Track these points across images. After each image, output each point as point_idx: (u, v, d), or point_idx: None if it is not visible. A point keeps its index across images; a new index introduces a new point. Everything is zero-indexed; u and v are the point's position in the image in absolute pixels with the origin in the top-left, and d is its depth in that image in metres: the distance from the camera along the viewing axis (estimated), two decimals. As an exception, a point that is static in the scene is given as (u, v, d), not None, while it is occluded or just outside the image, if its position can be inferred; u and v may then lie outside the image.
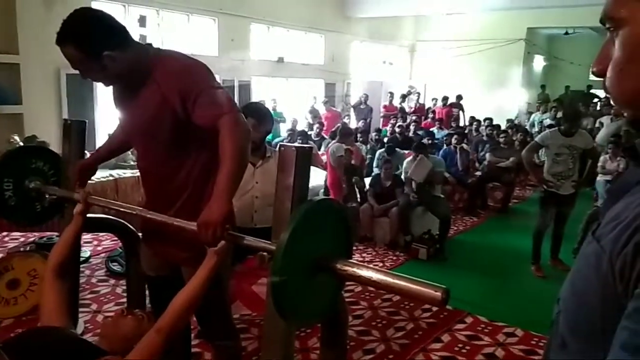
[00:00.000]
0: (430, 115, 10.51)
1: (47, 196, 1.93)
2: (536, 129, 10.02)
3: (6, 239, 4.35)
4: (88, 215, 1.74)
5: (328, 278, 1.21)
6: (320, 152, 7.35)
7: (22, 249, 3.70)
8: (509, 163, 6.91)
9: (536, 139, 4.48)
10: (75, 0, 3.57)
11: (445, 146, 7.29)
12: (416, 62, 14.11)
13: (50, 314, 1.39)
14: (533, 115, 11.01)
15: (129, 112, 1.65)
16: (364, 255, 4.66)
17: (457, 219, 6.01)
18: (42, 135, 5.76)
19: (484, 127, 8.74)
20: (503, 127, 9.16)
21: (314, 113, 9.57)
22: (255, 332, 2.84)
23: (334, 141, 6.00)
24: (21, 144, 5.85)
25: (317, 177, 6.04)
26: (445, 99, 11.33)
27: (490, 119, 9.31)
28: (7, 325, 2.81)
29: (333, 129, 8.36)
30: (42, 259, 3.10)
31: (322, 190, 6.04)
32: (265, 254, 1.29)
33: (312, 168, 1.39)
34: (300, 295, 1.16)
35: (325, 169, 6.29)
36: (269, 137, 6.00)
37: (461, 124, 10.28)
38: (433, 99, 11.68)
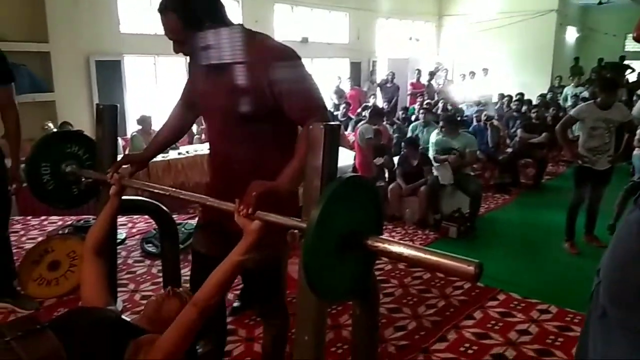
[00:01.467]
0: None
1: (82, 180, 1.98)
2: (569, 103, 9.72)
3: (45, 222, 4.50)
4: (123, 197, 1.78)
5: (359, 254, 1.21)
6: (347, 133, 7.32)
7: (60, 232, 3.82)
8: (541, 139, 6.75)
9: (570, 112, 4.35)
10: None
11: (474, 123, 7.15)
12: (443, 37, 13.83)
13: (90, 293, 1.45)
14: (566, 89, 10.67)
15: (213, 88, 1.61)
16: (393, 234, 4.65)
17: (488, 196, 5.92)
18: (74, 121, 5.90)
19: (515, 103, 8.54)
20: (534, 102, 8.93)
21: (340, 93, 9.51)
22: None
23: (362, 122, 5.95)
24: (54, 130, 6.02)
25: (345, 158, 6.03)
26: (472, 74, 11.09)
27: (522, 94, 9.08)
28: (50, 305, 2.92)
29: (359, 109, 8.30)
30: (80, 241, 3.20)
31: (350, 171, 6.03)
32: (296, 231, 1.29)
33: (340, 149, 1.38)
34: (331, 271, 1.17)
35: (352, 149, 6.26)
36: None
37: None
38: (461, 75, 11.45)
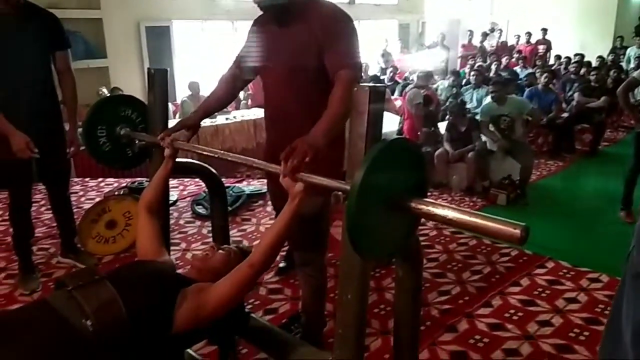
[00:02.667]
0: (515, 55, 9.83)
1: (136, 142, 2.05)
2: (632, 65, 9.11)
3: (102, 184, 4.74)
4: (176, 159, 1.85)
5: (402, 216, 1.21)
6: (393, 97, 7.19)
7: (116, 193, 4.01)
8: (600, 103, 6.41)
9: (634, 74, 4.08)
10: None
11: (528, 87, 6.86)
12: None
13: (145, 247, 1.54)
14: (629, 50, 9.99)
15: (275, 47, 1.76)
16: (438, 201, 4.58)
17: (541, 163, 5.73)
18: (126, 87, 6.08)
19: (573, 65, 8.10)
20: (594, 64, 8.44)
21: (387, 57, 9.31)
22: (332, 271, 2.93)
23: (410, 86, 5.82)
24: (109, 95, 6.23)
25: (390, 123, 5.95)
26: (529, 35, 10.56)
27: (582, 55, 8.58)
28: (108, 261, 3.10)
29: (407, 73, 8.11)
30: (134, 202, 3.35)
31: (395, 136, 5.96)
32: (340, 193, 1.30)
33: (385, 114, 1.37)
34: (374, 232, 1.18)
35: (398, 114, 6.16)
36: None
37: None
38: (516, 36, 10.92)
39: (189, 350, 1.83)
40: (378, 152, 1.13)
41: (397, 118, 6.05)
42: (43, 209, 3.91)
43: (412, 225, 1.30)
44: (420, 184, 1.24)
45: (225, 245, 1.56)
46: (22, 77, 2.52)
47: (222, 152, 1.74)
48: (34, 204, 3.17)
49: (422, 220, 3.46)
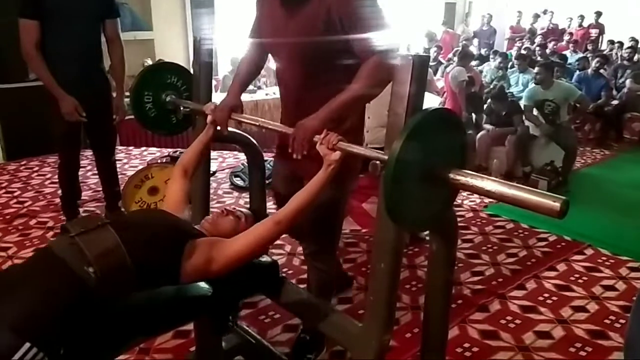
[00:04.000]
0: (566, 37, 9.45)
1: (181, 109, 2.10)
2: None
3: (145, 153, 4.90)
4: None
5: (440, 187, 1.21)
6: (436, 78, 7.06)
7: (159, 161, 4.13)
8: (654, 90, 6.14)
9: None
10: None
11: (578, 71, 6.62)
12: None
13: (170, 204, 1.52)
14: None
15: (287, 27, 1.61)
16: (477, 184, 4.52)
17: (586, 151, 5.57)
18: (171, 59, 6.14)
19: (626, 51, 7.73)
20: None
21: (430, 36, 9.11)
22: (364, 246, 2.97)
23: (452, 65, 5.70)
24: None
25: (431, 104, 5.85)
26: (581, 18, 10.11)
27: (636, 41, 8.18)
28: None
29: (451, 54, 7.94)
30: (175, 170, 3.45)
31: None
32: (378, 162, 1.31)
33: (427, 94, 1.36)
34: (411, 202, 1.18)
35: (440, 94, 6.06)
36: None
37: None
38: (568, 19, 10.47)
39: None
40: (418, 122, 1.13)
41: (438, 99, 5.96)
42: (89, 174, 4.07)
43: (449, 197, 1.29)
44: (460, 155, 1.24)
45: (237, 209, 1.52)
46: (74, 43, 2.62)
47: (262, 120, 1.76)
48: (81, 169, 3.31)
49: (459, 201, 3.45)
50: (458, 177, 1.15)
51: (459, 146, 1.22)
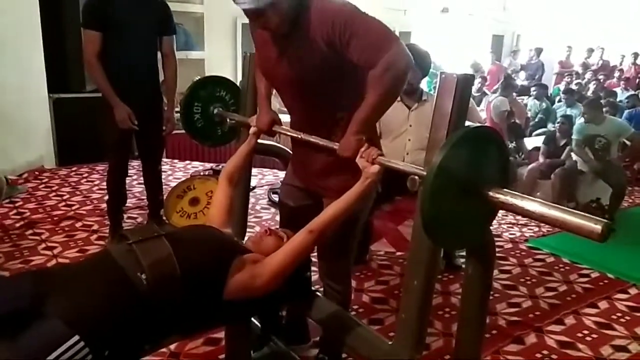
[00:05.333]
0: (617, 74, 9.22)
1: (227, 121, 2.15)
2: None
3: (189, 166, 5.05)
4: (260, 140, 1.94)
5: (479, 205, 1.19)
6: (479, 109, 7.00)
7: (202, 174, 4.24)
8: None
9: None
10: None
11: (628, 109, 6.44)
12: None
13: (213, 216, 1.56)
14: None
15: (279, 63, 1.59)
16: (517, 218, 4.38)
17: (635, 190, 5.36)
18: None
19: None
20: None
21: (476, 67, 9.06)
22: (398, 269, 2.94)
23: (495, 95, 5.65)
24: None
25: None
26: (635, 55, 9.85)
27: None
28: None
29: (496, 85, 7.87)
30: (217, 182, 3.54)
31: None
32: (416, 177, 1.32)
33: (468, 123, 1.35)
34: (448, 219, 1.18)
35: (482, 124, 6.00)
36: (428, 87, 5.89)
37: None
38: (621, 56, 10.21)
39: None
40: (460, 137, 1.14)
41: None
42: (135, 182, 4.22)
43: (488, 215, 1.28)
44: (501, 174, 1.22)
45: (279, 229, 1.56)
46: (133, 56, 2.76)
47: (303, 134, 1.79)
48: (128, 178, 3.44)
49: (498, 232, 3.38)
50: (497, 195, 1.14)
51: (500, 165, 1.21)
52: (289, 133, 1.80)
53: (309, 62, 1.51)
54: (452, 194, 1.14)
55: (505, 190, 1.15)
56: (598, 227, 0.96)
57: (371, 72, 1.42)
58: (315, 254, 1.84)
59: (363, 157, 1.36)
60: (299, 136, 1.73)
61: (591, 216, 0.99)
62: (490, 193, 1.14)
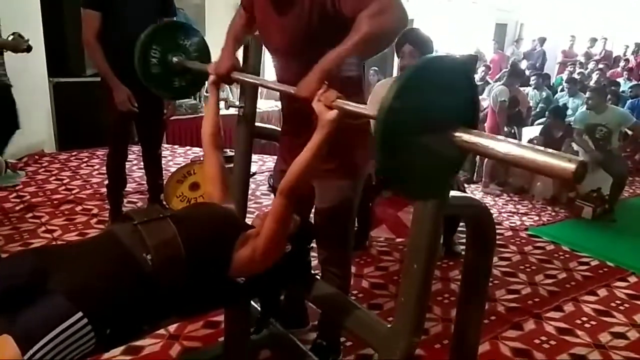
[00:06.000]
0: (621, 64, 9.14)
1: (186, 77, 1.98)
2: None
3: (189, 152, 5.05)
4: (259, 124, 1.90)
5: (441, 147, 1.02)
6: (482, 97, 6.96)
7: (201, 159, 4.23)
8: None
9: None
10: None
11: (631, 99, 6.41)
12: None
13: (211, 187, 1.52)
14: None
15: (279, 25, 1.56)
16: (518, 207, 4.42)
17: (635, 181, 5.36)
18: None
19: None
20: None
21: (479, 56, 9.01)
22: (397, 256, 2.95)
23: (498, 83, 5.61)
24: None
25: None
26: (638, 46, 9.78)
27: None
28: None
29: (499, 74, 7.83)
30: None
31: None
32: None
33: None
34: (407, 162, 1.00)
35: (482, 112, 5.96)
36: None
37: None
38: (625, 46, 10.14)
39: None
40: (416, 69, 0.95)
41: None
42: (135, 167, 4.22)
43: (455, 160, 1.11)
44: (469, 112, 1.06)
45: None
46: (132, 37, 2.72)
47: (261, 79, 1.69)
48: (127, 162, 3.43)
49: (498, 220, 3.34)
50: (463, 136, 0.99)
51: (467, 102, 1.05)
52: (247, 79, 1.68)
53: (310, 20, 1.46)
54: (409, 137, 0.98)
55: (471, 130, 1.00)
56: (571, 166, 0.82)
57: (360, 13, 1.32)
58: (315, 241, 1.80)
59: (321, 101, 1.21)
60: (268, 85, 1.65)
61: (566, 155, 0.86)
62: (456, 133, 0.99)
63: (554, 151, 0.87)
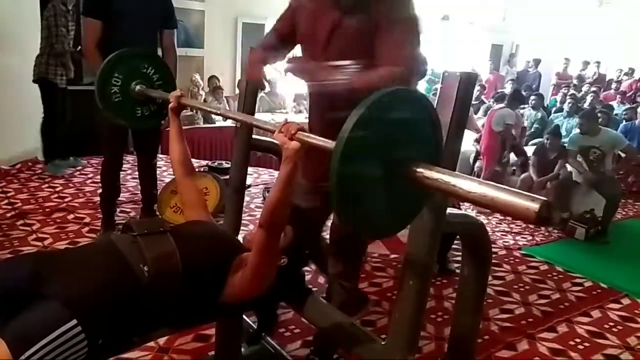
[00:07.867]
0: (614, 86, 9.25)
1: (149, 106, 1.97)
2: None
3: (184, 163, 5.00)
4: (256, 136, 1.90)
5: (401, 183, 0.97)
6: (477, 116, 7.01)
7: (197, 171, 4.21)
8: None
9: None
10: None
11: (625, 121, 6.49)
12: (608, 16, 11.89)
13: (192, 215, 1.53)
14: None
15: (321, 25, 1.62)
16: (511, 226, 4.41)
17: (628, 203, 5.38)
18: (218, 75, 6.37)
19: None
20: None
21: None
22: (391, 272, 2.93)
23: (500, 105, 5.62)
24: (201, 82, 6.58)
25: (470, 141, 5.81)
26: (631, 70, 9.90)
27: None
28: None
29: (495, 94, 7.89)
30: (212, 180, 3.53)
31: (472, 155, 5.81)
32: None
33: (466, 131, 1.31)
34: (365, 200, 0.97)
35: (478, 133, 6.00)
36: (427, 92, 5.90)
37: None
38: (618, 70, 10.25)
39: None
40: (376, 101, 0.91)
41: (474, 136, 5.92)
42: (129, 177, 4.19)
43: (420, 198, 1.07)
44: (432, 149, 1.03)
45: None
46: (132, 47, 2.73)
47: (224, 109, 1.70)
48: (122, 172, 3.40)
49: (491, 239, 3.35)
50: (424, 172, 0.94)
51: (428, 137, 1.02)
52: (202, 106, 1.68)
53: (355, 38, 1.51)
54: (367, 172, 0.95)
55: (433, 166, 0.95)
56: (534, 206, 0.76)
57: (376, 69, 1.41)
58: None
59: (282, 132, 1.16)
60: (218, 112, 1.70)
61: (530, 194, 0.80)
62: (418, 170, 0.95)
63: (517, 190, 0.82)
